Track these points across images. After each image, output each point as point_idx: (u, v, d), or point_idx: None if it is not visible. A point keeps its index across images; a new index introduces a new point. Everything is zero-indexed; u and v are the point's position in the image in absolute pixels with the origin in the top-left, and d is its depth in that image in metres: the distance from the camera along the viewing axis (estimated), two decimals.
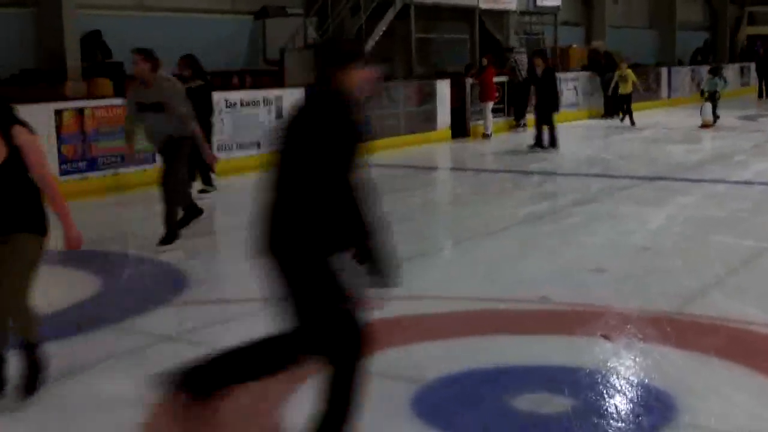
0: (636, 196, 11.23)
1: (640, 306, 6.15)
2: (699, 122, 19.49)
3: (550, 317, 6.06)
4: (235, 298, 6.63)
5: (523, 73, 19.88)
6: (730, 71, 32.23)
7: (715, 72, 20.42)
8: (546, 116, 15.84)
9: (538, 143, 15.88)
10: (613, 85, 21.25)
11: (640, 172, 12.94)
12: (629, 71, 20.97)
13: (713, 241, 8.44)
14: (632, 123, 20.56)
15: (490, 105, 18.54)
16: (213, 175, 11.59)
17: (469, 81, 18.72)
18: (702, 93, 20.37)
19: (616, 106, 21.75)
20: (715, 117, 19.68)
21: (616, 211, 10.28)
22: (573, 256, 7.86)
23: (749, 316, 5.90)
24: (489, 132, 18.36)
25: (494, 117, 19.19)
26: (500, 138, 18.71)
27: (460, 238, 9.14)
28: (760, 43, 37.14)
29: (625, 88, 20.83)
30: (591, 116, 22.75)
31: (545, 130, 15.84)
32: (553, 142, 15.82)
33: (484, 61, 18.67)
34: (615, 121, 21.47)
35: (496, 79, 19.66)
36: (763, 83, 30.42)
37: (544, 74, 15.95)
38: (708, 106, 19.59)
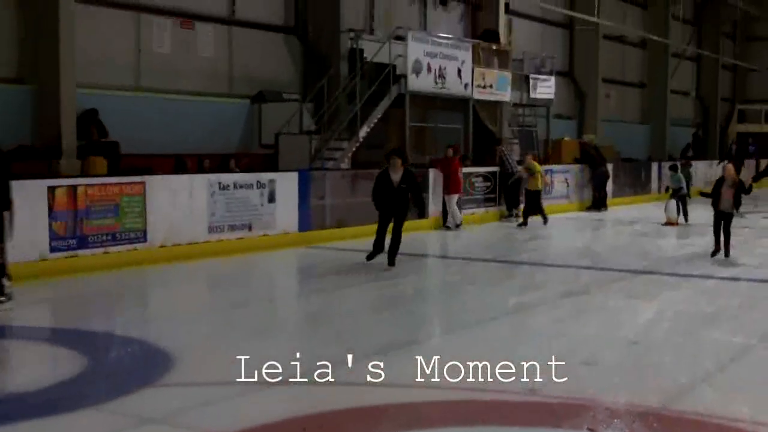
0: (626, 288, 11.24)
1: (628, 400, 6.12)
2: (663, 219, 19.19)
3: (538, 409, 6.01)
4: (218, 381, 6.56)
5: (513, 165, 19.99)
6: (719, 167, 32.52)
7: (675, 169, 19.88)
8: (396, 223, 12.49)
9: (378, 250, 12.42)
10: (513, 180, 19.68)
11: (629, 265, 12.97)
12: (536, 165, 19.30)
13: (702, 336, 8.44)
14: (544, 220, 18.83)
15: (455, 198, 17.85)
16: (7, 282, 8.71)
17: (431, 172, 17.98)
18: (667, 189, 19.89)
19: (521, 202, 19.57)
20: (685, 215, 19.21)
21: (606, 303, 10.28)
22: (563, 347, 7.82)
23: (737, 413, 5.86)
24: (458, 223, 17.76)
25: (486, 207, 19.30)
26: (490, 227, 18.77)
27: (450, 327, 9.11)
28: (752, 140, 37.66)
29: (534, 185, 19.02)
30: (582, 209, 22.95)
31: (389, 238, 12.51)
32: (392, 253, 12.36)
33: (449, 152, 18.02)
34: (593, 213, 21.72)
35: (485, 170, 19.82)
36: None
37: (403, 176, 12.32)
38: (672, 202, 19.14)
